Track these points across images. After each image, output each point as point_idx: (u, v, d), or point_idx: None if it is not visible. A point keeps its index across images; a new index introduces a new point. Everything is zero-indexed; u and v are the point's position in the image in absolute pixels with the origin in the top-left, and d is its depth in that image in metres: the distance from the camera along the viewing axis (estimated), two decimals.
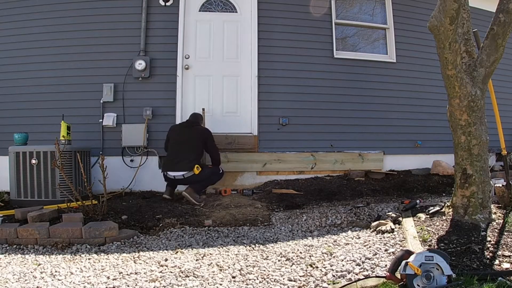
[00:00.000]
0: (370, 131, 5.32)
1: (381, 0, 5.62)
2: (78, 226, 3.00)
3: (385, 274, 2.08)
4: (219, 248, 2.86)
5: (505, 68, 5.76)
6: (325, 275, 2.24)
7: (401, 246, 2.62)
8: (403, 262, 1.97)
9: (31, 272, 2.36)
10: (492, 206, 2.91)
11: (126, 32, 4.91)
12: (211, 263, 2.50)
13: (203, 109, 4.73)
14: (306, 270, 2.33)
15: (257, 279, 2.23)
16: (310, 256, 2.58)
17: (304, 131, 5.13)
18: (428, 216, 3.09)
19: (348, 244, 2.82)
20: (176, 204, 4.09)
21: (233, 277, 2.26)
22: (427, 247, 2.50)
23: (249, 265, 2.46)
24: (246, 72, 5.05)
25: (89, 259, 2.61)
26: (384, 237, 2.86)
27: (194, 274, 2.30)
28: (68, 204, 3.44)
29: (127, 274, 2.31)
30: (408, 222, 3.04)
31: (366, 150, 5.27)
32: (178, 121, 4.90)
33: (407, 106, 5.47)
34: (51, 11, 4.93)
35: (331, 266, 2.36)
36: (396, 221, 3.16)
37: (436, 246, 2.50)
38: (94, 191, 3.90)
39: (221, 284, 2.17)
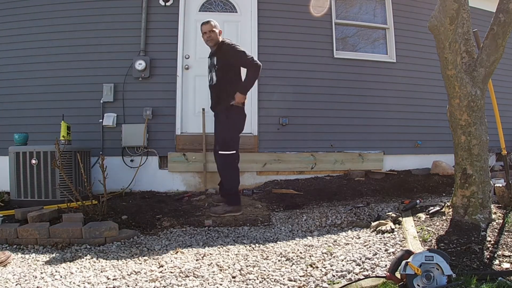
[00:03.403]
0: (370, 131, 5.32)
1: (381, 0, 5.63)
2: (78, 226, 3.00)
3: (385, 274, 2.08)
4: (219, 248, 2.86)
5: (505, 68, 5.76)
6: (325, 275, 2.24)
7: (401, 246, 2.62)
8: (403, 262, 1.97)
9: (31, 272, 2.36)
10: (492, 206, 2.91)
11: (126, 32, 4.91)
12: (211, 263, 2.50)
13: (203, 109, 4.72)
14: (306, 270, 2.32)
15: (257, 279, 2.23)
16: (310, 256, 2.58)
17: (304, 131, 5.13)
18: (428, 216, 3.09)
19: (348, 244, 2.82)
20: (176, 204, 4.10)
21: (233, 277, 2.26)
22: (427, 247, 2.50)
23: (249, 265, 2.46)
24: None
25: (89, 259, 2.61)
26: (384, 237, 2.86)
27: (194, 274, 2.30)
28: (68, 204, 3.44)
29: (127, 274, 2.31)
30: (408, 222, 3.04)
31: (366, 150, 5.27)
32: (178, 121, 4.90)
33: (407, 106, 5.47)
34: (51, 11, 4.93)
35: (331, 266, 2.36)
36: (396, 221, 3.16)
37: (436, 246, 2.50)
38: (94, 191, 3.90)
39: (221, 284, 2.16)
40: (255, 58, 3.65)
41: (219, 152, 3.69)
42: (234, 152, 3.70)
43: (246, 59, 3.58)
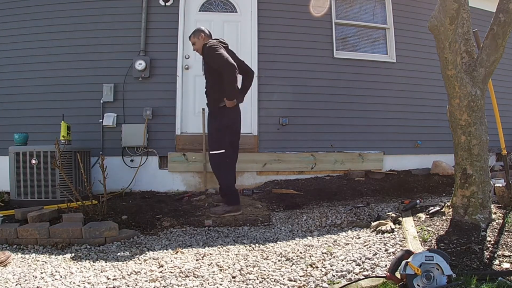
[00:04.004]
0: (370, 131, 5.32)
1: (381, 0, 5.63)
2: (78, 226, 3.00)
3: (385, 274, 2.08)
4: (219, 248, 2.86)
5: (505, 68, 5.76)
6: (325, 275, 2.24)
7: (401, 246, 2.62)
8: (403, 262, 1.97)
9: (31, 272, 2.36)
10: (492, 206, 2.91)
11: (126, 32, 4.91)
12: (211, 263, 2.50)
13: (203, 109, 4.72)
14: (306, 270, 2.33)
15: (257, 279, 2.23)
16: (310, 256, 2.58)
17: (304, 131, 5.13)
18: (428, 216, 3.09)
19: (348, 244, 2.82)
20: (176, 204, 4.10)
21: (233, 277, 2.26)
22: (427, 247, 2.50)
23: (249, 265, 2.46)
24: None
25: (89, 259, 2.61)
26: (384, 237, 2.86)
27: (194, 274, 2.30)
28: (68, 204, 3.44)
29: (127, 274, 2.31)
30: (408, 222, 3.04)
31: (366, 150, 5.27)
32: (178, 121, 4.90)
33: (407, 106, 5.47)
34: (51, 11, 4.93)
35: (331, 266, 2.36)
36: (396, 221, 3.16)
37: (436, 246, 2.50)
38: (94, 191, 3.90)
39: (221, 284, 2.16)
40: (228, 60, 3.55)
41: (210, 152, 3.76)
42: (223, 151, 3.69)
43: (219, 63, 3.57)
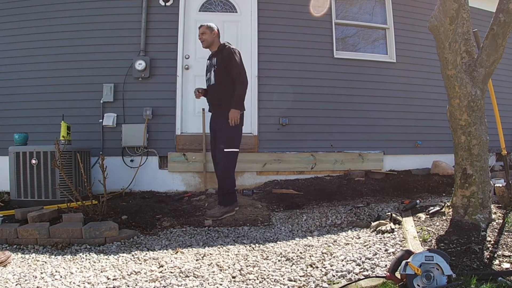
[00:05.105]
0: (370, 131, 5.32)
1: (381, 0, 5.63)
2: (78, 226, 3.00)
3: (385, 274, 2.08)
4: (219, 248, 2.86)
5: (505, 68, 5.76)
6: (325, 275, 2.24)
7: (401, 246, 2.62)
8: (403, 262, 1.96)
9: (31, 272, 2.36)
10: (492, 206, 2.91)
11: (126, 32, 4.92)
12: (211, 263, 2.50)
13: (203, 109, 4.72)
14: (306, 270, 2.32)
15: (257, 279, 2.23)
16: (310, 256, 2.58)
17: (304, 131, 5.13)
18: (428, 216, 3.09)
19: (348, 244, 2.82)
20: (176, 204, 4.10)
21: (233, 277, 2.26)
22: (427, 247, 2.50)
23: (249, 265, 2.46)
24: (246, 72, 5.02)
25: (89, 259, 2.62)
26: (384, 237, 2.86)
27: (194, 274, 2.30)
28: (68, 204, 3.44)
29: (127, 274, 2.31)
30: (408, 222, 3.04)
31: (366, 150, 5.27)
32: (178, 121, 4.90)
33: (407, 106, 5.47)
34: (51, 11, 4.94)
35: (331, 266, 2.36)
36: (396, 221, 3.16)
37: (436, 246, 2.50)
38: (94, 191, 3.90)
39: (221, 284, 2.16)
40: (245, 72, 3.73)
41: (227, 150, 3.69)
42: (238, 150, 3.77)
43: (236, 72, 3.68)
